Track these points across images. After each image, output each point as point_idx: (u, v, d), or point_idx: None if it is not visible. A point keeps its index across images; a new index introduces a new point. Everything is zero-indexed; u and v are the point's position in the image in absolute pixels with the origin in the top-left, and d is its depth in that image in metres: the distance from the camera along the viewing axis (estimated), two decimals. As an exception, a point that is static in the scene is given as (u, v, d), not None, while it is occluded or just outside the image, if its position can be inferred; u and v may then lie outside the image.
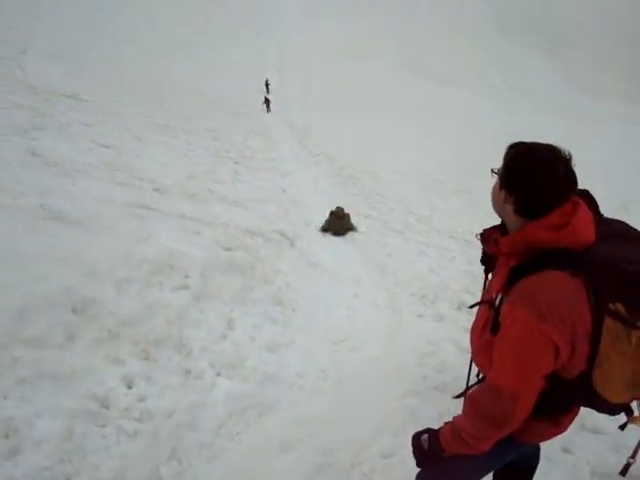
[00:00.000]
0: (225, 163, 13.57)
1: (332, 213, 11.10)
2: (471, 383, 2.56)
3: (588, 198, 2.53)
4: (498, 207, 1.99)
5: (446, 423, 2.10)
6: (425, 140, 28.75)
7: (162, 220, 6.91)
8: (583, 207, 1.88)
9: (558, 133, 32.67)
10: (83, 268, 4.71)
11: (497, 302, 1.94)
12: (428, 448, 2.12)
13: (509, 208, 1.90)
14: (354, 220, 11.19)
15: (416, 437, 2.21)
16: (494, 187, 1.98)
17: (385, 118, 34.08)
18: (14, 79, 13.52)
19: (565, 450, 3.66)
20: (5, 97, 11.03)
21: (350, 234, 10.69)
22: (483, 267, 2.75)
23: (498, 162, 1.95)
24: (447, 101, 44.54)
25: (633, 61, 70.01)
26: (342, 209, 11.19)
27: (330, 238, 10.38)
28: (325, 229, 10.87)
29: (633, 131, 44.04)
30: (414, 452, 2.20)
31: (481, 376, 2.30)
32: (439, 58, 60.92)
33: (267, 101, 31.42)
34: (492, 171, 1.98)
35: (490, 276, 2.40)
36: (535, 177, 1.79)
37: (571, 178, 1.81)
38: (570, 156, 1.81)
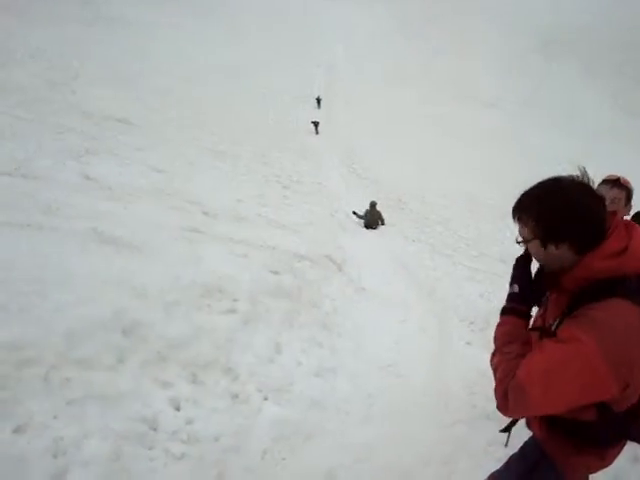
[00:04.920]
0: (274, 187, 13.67)
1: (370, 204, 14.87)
2: None
3: None
4: (552, 262, 1.87)
5: None
6: (472, 164, 28.35)
7: (211, 244, 6.98)
8: (637, 229, 1.79)
9: (610, 157, 32.06)
10: (133, 291, 4.78)
11: (554, 326, 1.83)
12: None
13: (567, 254, 1.77)
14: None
15: None
16: (534, 251, 1.89)
17: (431, 142, 33.86)
18: (67, 104, 13.86)
19: (618, 484, 3.49)
20: (59, 121, 11.32)
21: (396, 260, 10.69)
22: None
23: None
24: (494, 126, 43.99)
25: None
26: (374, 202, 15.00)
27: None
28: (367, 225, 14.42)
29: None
30: None
31: None
32: (486, 83, 60.44)
33: (316, 124, 31.61)
34: (517, 242, 1.93)
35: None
36: (569, 209, 1.72)
37: (595, 194, 1.74)
38: (585, 174, 1.76)
